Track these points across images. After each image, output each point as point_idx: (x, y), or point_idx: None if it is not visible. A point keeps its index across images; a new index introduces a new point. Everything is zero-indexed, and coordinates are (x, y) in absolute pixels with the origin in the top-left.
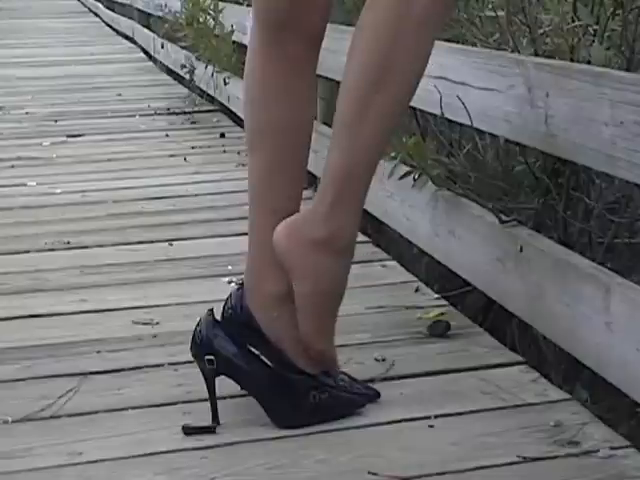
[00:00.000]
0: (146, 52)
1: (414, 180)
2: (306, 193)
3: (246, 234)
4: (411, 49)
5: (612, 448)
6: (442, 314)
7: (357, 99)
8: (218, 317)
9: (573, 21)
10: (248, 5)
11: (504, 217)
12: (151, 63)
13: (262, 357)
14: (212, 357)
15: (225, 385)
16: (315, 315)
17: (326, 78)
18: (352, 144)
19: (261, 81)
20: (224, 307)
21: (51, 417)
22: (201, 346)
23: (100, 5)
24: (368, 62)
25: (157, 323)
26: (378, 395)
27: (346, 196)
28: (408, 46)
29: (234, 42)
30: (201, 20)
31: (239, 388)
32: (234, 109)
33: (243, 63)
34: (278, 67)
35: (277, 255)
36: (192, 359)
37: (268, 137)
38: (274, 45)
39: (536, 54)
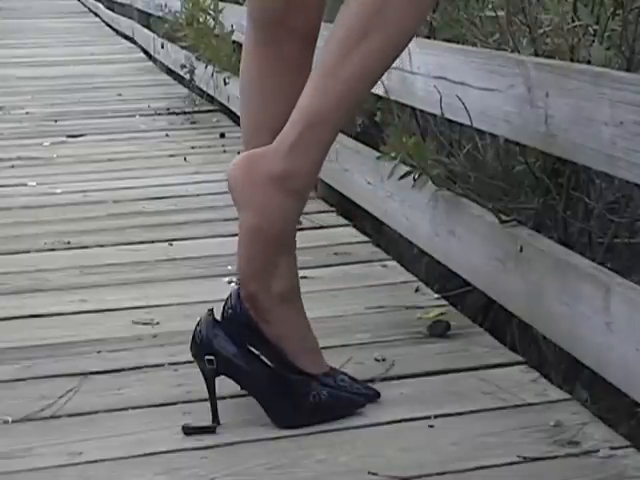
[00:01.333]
0: (146, 52)
1: (414, 180)
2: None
3: None
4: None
5: (612, 448)
6: (442, 314)
7: (341, 43)
8: (218, 317)
9: (573, 21)
10: None
11: (504, 217)
12: (151, 63)
13: (262, 357)
14: (212, 357)
15: (225, 385)
16: (253, 251)
17: None
18: (327, 87)
19: (257, 80)
20: (224, 307)
21: (51, 417)
22: (201, 346)
23: (100, 5)
24: (360, 8)
25: (157, 323)
26: (378, 395)
27: (309, 139)
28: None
29: (234, 42)
30: (201, 20)
31: (239, 388)
32: (234, 109)
33: None
34: (274, 66)
35: (229, 185)
36: (192, 359)
37: (264, 136)
38: (269, 44)
39: (536, 54)
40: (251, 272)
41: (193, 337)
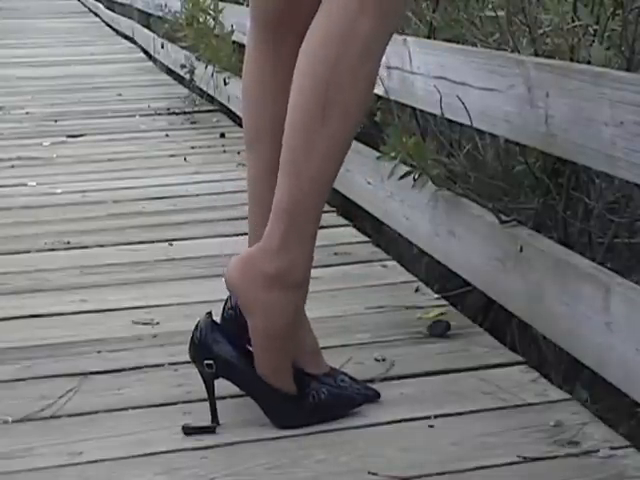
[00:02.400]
0: (146, 52)
1: (414, 180)
2: None
3: (246, 234)
4: (357, 71)
5: (612, 448)
6: (442, 314)
7: (302, 131)
8: (217, 318)
9: (573, 21)
10: (248, 5)
11: (504, 217)
12: (151, 63)
13: None
14: (211, 361)
15: (225, 385)
16: (268, 352)
17: None
18: (300, 178)
19: (259, 80)
20: (224, 307)
21: (51, 417)
22: (200, 349)
23: (100, 5)
24: (312, 90)
25: (157, 323)
26: (378, 395)
27: (296, 229)
28: (353, 68)
29: (234, 42)
30: (201, 20)
31: (238, 388)
32: (234, 109)
33: (243, 63)
34: (275, 66)
35: (228, 289)
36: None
37: (266, 136)
38: (271, 44)
39: (536, 54)
40: (270, 368)
41: (192, 340)
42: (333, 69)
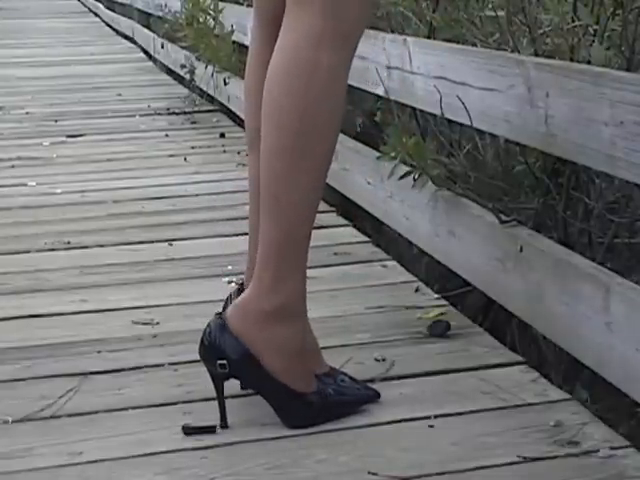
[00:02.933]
0: (146, 52)
1: (414, 180)
2: None
3: (246, 234)
4: (324, 100)
5: (612, 448)
6: (442, 314)
7: (282, 167)
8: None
9: (573, 21)
10: (248, 5)
11: (504, 217)
12: (151, 63)
13: None
14: (224, 361)
15: (225, 385)
16: (287, 370)
17: None
18: (284, 213)
19: (263, 80)
20: (224, 307)
21: (51, 417)
22: (212, 350)
23: (100, 5)
24: (285, 125)
25: (157, 323)
26: (378, 395)
27: (287, 264)
28: (320, 98)
29: (234, 42)
30: (201, 20)
31: (239, 388)
32: (234, 109)
33: (243, 63)
34: None
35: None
36: (192, 359)
37: None
38: (274, 43)
39: (536, 54)
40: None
41: (202, 340)
42: (300, 103)
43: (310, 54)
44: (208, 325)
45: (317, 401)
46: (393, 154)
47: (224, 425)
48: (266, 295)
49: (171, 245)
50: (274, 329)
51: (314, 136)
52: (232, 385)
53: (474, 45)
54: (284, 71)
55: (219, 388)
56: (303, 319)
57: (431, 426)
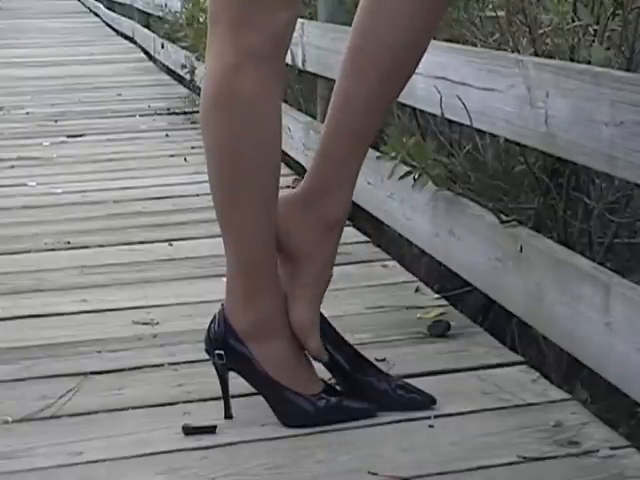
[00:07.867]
0: (146, 52)
1: (414, 180)
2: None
3: None
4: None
5: (612, 448)
6: (442, 314)
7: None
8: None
9: (573, 21)
10: None
11: (504, 217)
12: (151, 63)
13: None
14: (222, 352)
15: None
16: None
17: (326, 78)
18: (236, 239)
19: None
20: None
21: (51, 417)
22: (213, 341)
23: (100, 5)
24: (221, 161)
25: (157, 323)
26: (434, 401)
27: (253, 284)
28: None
29: None
30: (201, 20)
31: (238, 388)
32: None
33: None
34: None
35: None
36: (192, 359)
37: None
38: None
39: (536, 54)
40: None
41: (207, 332)
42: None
43: (229, 86)
44: (213, 318)
45: (317, 403)
46: (393, 154)
47: (228, 416)
48: (241, 314)
49: (171, 245)
50: (259, 345)
51: (244, 174)
52: (232, 385)
53: (474, 45)
54: (211, 106)
55: (223, 380)
56: (286, 332)
57: (431, 426)
